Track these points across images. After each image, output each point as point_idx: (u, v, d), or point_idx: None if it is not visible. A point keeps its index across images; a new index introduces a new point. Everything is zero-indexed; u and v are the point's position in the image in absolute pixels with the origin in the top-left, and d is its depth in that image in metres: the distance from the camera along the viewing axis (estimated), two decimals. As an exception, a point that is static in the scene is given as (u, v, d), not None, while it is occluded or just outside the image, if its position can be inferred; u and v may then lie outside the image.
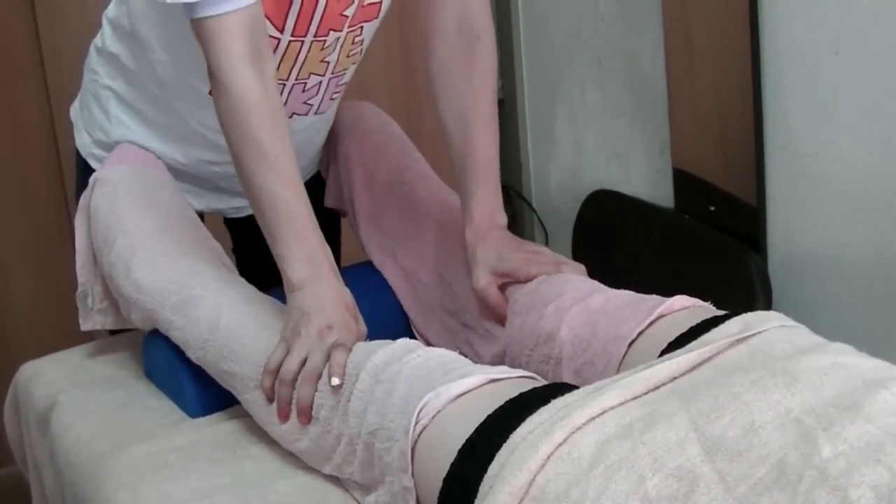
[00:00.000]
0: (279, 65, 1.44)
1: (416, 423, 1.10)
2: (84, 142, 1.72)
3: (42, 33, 2.30)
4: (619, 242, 2.35)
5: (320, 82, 1.52)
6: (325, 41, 1.45)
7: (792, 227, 2.01)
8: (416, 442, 1.10)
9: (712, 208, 2.23)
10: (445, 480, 1.05)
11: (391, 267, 1.65)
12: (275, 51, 1.41)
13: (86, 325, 1.62)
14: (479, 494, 1.00)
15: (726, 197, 2.20)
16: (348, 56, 1.52)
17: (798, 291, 2.00)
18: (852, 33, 1.80)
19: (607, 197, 2.48)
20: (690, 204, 2.29)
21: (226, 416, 1.46)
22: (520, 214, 2.89)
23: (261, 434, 1.38)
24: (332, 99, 1.61)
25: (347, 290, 1.37)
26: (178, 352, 1.47)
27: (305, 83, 1.51)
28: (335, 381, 1.23)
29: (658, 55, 2.30)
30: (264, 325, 1.38)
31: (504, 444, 1.01)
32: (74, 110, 1.75)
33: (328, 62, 1.49)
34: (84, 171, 1.71)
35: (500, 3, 2.81)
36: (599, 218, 2.48)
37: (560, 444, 0.97)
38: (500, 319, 1.47)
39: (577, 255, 2.45)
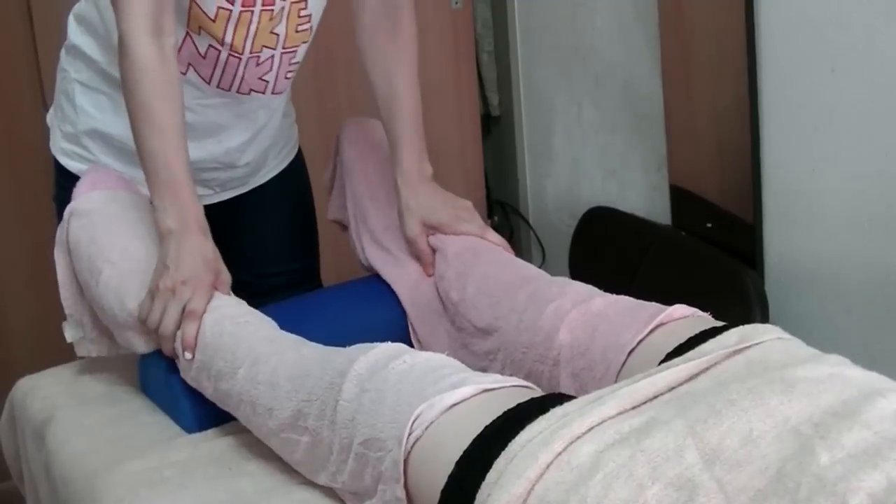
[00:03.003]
0: (233, 35, 1.54)
1: (410, 433, 1.10)
2: (55, 138, 1.75)
3: (38, 39, 2.30)
4: (615, 259, 2.36)
5: (272, 56, 1.61)
6: (272, 10, 1.55)
7: (788, 243, 2.01)
8: (409, 453, 1.10)
9: (709, 225, 2.23)
10: (443, 492, 1.05)
11: (399, 278, 1.65)
12: (227, 21, 1.52)
13: (81, 352, 1.64)
14: (477, 502, 1.00)
15: (723, 214, 2.21)
16: (297, 31, 1.61)
17: (794, 308, 2.00)
18: (848, 51, 1.81)
19: (604, 214, 2.48)
20: (687, 221, 2.29)
21: (222, 433, 1.45)
22: (516, 231, 2.89)
23: (256, 451, 1.37)
24: (286, 78, 1.68)
25: (211, 245, 1.48)
26: (173, 368, 1.47)
27: (259, 56, 1.59)
28: (187, 355, 1.41)
29: (655, 72, 2.30)
30: (241, 338, 1.40)
31: (502, 453, 1.01)
32: (49, 115, 1.79)
33: (277, 34, 1.58)
34: (58, 171, 1.75)
35: (498, 20, 2.82)
36: (596, 235, 2.48)
37: (559, 454, 0.97)
38: (424, 269, 1.62)
39: (574, 272, 2.45)
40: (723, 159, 2.24)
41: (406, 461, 1.10)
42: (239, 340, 1.39)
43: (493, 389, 1.13)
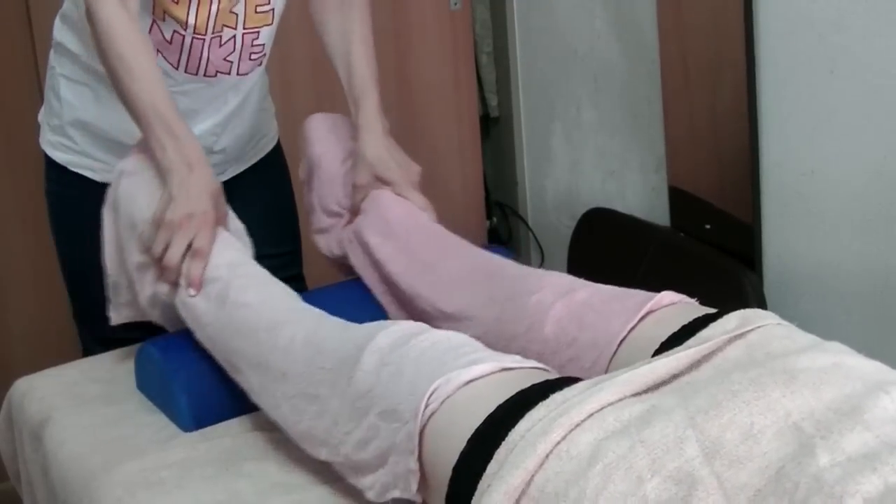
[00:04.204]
0: (196, 17, 1.59)
1: (427, 406, 1.10)
2: (43, 133, 1.80)
3: (37, 40, 2.30)
4: (614, 260, 2.35)
5: (234, 37, 1.65)
6: None
7: (787, 245, 2.01)
8: (424, 426, 1.10)
9: (708, 226, 2.23)
10: (455, 469, 1.05)
11: (375, 279, 1.65)
12: (189, 3, 1.58)
13: (117, 319, 1.64)
14: (478, 492, 1.00)
15: (722, 215, 2.21)
16: (257, 12, 1.65)
17: (793, 309, 2.00)
18: (848, 52, 1.81)
19: (603, 215, 2.48)
20: (686, 222, 2.29)
21: (219, 433, 1.45)
22: (515, 232, 2.89)
23: (254, 452, 1.37)
24: (251, 59, 1.71)
25: (214, 178, 1.54)
26: (170, 364, 1.48)
27: (221, 37, 1.64)
28: (191, 292, 1.46)
29: (654, 73, 2.30)
30: (264, 302, 1.42)
31: (503, 443, 1.01)
32: (40, 114, 1.83)
33: (236, 14, 1.62)
34: (46, 164, 1.79)
35: (497, 21, 2.82)
36: (595, 236, 2.48)
37: (558, 443, 0.97)
38: (349, 217, 1.70)
39: (573, 273, 2.43)
40: (722, 160, 2.24)
41: (421, 434, 1.10)
42: (263, 304, 1.41)
43: (512, 369, 1.13)
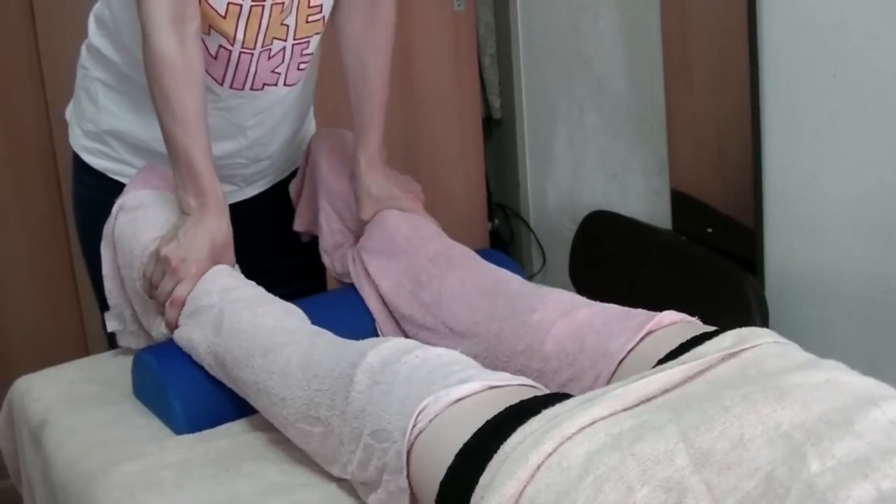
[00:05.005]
0: (244, 32, 1.55)
1: (414, 426, 1.11)
2: (75, 135, 1.77)
3: (41, 38, 2.31)
4: (616, 263, 2.35)
5: (284, 48, 1.62)
6: (283, 3, 1.56)
7: (789, 249, 2.01)
8: (412, 445, 1.11)
9: (710, 230, 2.23)
10: (442, 484, 1.05)
11: (370, 291, 1.65)
12: (238, 17, 1.53)
13: (122, 343, 1.67)
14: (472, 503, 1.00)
15: (724, 219, 2.21)
16: (308, 22, 1.61)
17: (794, 314, 2.00)
18: (851, 57, 1.81)
19: (605, 218, 2.48)
20: (688, 225, 2.29)
21: (216, 434, 1.45)
22: (517, 234, 2.89)
23: (253, 452, 1.37)
24: (299, 69, 1.68)
25: (225, 228, 1.54)
26: (165, 370, 1.48)
27: (270, 50, 1.61)
28: (165, 332, 1.51)
29: (657, 77, 2.30)
30: (259, 326, 1.41)
31: (495, 455, 1.01)
32: (69, 110, 1.81)
33: (287, 25, 1.59)
34: (77, 167, 1.77)
35: (500, 23, 2.82)
36: (597, 239, 2.48)
37: (550, 454, 0.97)
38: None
39: (575, 276, 2.45)
40: (724, 164, 2.24)
41: (409, 453, 1.11)
42: (256, 328, 1.41)
43: (499, 387, 1.14)
